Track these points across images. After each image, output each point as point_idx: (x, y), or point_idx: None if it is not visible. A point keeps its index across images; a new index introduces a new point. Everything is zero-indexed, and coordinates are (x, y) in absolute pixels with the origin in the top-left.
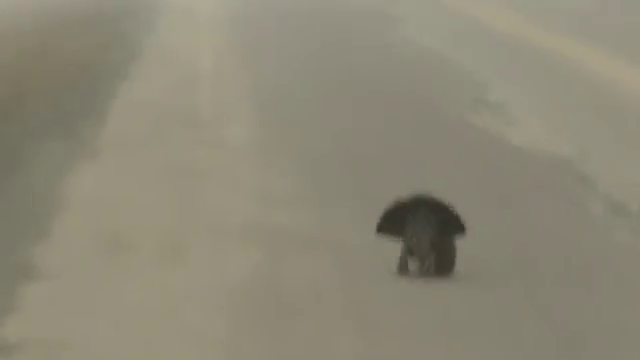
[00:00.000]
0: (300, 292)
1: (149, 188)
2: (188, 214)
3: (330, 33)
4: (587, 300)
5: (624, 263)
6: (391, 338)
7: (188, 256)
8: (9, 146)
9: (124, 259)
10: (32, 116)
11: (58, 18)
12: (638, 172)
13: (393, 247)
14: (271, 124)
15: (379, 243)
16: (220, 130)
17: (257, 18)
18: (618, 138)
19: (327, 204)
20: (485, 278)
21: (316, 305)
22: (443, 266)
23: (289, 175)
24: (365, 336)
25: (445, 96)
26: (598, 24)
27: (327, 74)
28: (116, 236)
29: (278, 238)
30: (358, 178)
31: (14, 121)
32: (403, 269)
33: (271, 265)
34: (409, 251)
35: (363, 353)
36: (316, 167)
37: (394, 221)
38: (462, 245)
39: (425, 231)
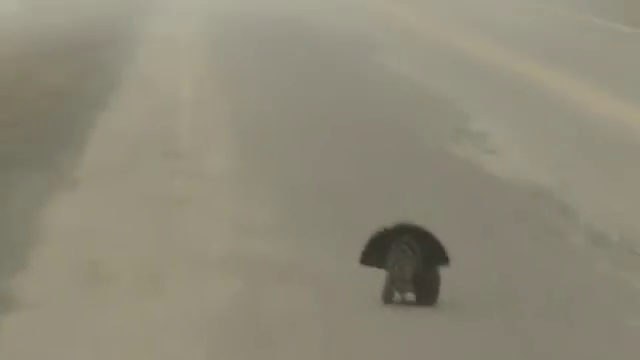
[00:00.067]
0: (280, 322)
1: (128, 218)
2: (167, 244)
3: (309, 61)
4: (568, 332)
5: (605, 294)
6: None
7: (167, 286)
8: None
9: (103, 289)
10: (8, 146)
11: (36, 46)
12: (619, 202)
13: (372, 277)
14: (250, 153)
15: (359, 273)
16: (199, 159)
17: (236, 45)
18: (599, 169)
19: (306, 234)
20: (465, 309)
21: (296, 335)
22: (427, 295)
23: (268, 204)
24: None
25: (426, 126)
26: (580, 56)
27: (306, 102)
28: (95, 266)
29: (257, 268)
30: (338, 208)
31: None
32: (388, 298)
33: (250, 295)
34: (393, 280)
35: None
36: (295, 197)
37: (377, 250)
38: (443, 275)
39: (408, 259)
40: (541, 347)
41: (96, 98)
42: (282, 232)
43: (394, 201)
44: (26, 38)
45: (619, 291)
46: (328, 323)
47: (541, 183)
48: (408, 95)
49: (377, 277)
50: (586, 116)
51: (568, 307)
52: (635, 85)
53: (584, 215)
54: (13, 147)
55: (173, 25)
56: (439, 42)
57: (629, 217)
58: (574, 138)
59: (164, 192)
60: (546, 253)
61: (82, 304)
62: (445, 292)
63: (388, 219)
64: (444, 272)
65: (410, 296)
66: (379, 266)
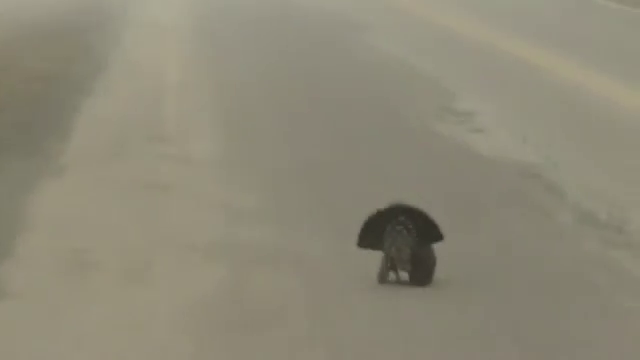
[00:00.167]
0: (266, 307)
1: (114, 205)
2: (153, 231)
3: (296, 42)
4: (557, 310)
5: (593, 273)
6: (359, 353)
7: (153, 273)
8: None
9: (89, 277)
10: None
11: (20, 31)
12: (606, 181)
13: (359, 259)
14: (236, 137)
15: (345, 255)
16: (185, 144)
17: (223, 27)
18: (586, 147)
19: (292, 218)
20: (453, 289)
21: (282, 320)
22: (421, 276)
23: (254, 189)
24: (332, 350)
25: (412, 105)
26: (567, 32)
27: (293, 84)
28: (81, 254)
29: (244, 253)
30: (324, 191)
31: None
32: (384, 279)
33: (237, 280)
34: (389, 261)
35: None
36: (281, 180)
37: (373, 232)
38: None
39: (405, 240)
40: (529, 326)
41: (82, 83)
42: (268, 216)
43: (380, 182)
44: (11, 22)
45: (607, 270)
46: (314, 307)
47: (529, 162)
48: (395, 75)
49: (364, 259)
50: (574, 95)
51: (557, 286)
52: (623, 63)
53: (572, 194)
54: None
55: (159, 8)
56: (427, 21)
57: (617, 196)
58: (562, 117)
59: (150, 178)
60: (534, 232)
61: (68, 292)
62: (435, 272)
63: (374, 201)
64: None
65: (404, 275)
66: (375, 248)
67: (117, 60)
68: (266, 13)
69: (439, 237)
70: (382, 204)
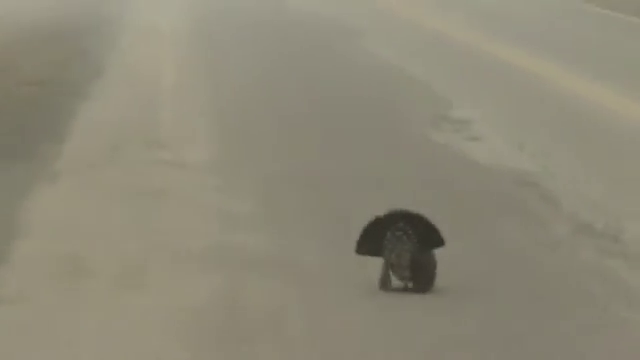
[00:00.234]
0: (261, 314)
1: (109, 211)
2: (148, 237)
3: (291, 47)
4: (553, 320)
5: (590, 282)
6: None
7: (148, 280)
8: None
9: (83, 283)
10: None
11: (16, 35)
12: (602, 190)
13: (355, 267)
14: (232, 142)
15: (340, 263)
16: (181, 150)
17: (219, 31)
18: (583, 155)
19: (288, 224)
20: (449, 297)
21: (278, 328)
22: (423, 282)
23: (250, 195)
24: (328, 359)
25: (408, 113)
26: (563, 40)
27: (289, 90)
28: (75, 260)
29: (239, 260)
30: (319, 198)
31: None
32: (385, 285)
33: (232, 288)
34: (390, 267)
35: None
36: (277, 187)
37: (372, 239)
38: None
39: (405, 246)
40: (525, 336)
41: (78, 87)
42: (264, 223)
43: (376, 189)
44: (6, 26)
45: (603, 279)
46: (309, 314)
47: (525, 170)
48: (390, 81)
49: (360, 266)
50: (571, 103)
51: (553, 295)
52: (620, 72)
53: (568, 203)
54: None
55: (156, 11)
56: (423, 27)
57: (613, 205)
58: (558, 125)
59: (146, 183)
60: (530, 241)
61: (62, 298)
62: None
63: (370, 208)
64: None
65: (407, 282)
66: (375, 254)
67: (113, 64)
68: (261, 18)
69: (440, 242)
70: (378, 211)
